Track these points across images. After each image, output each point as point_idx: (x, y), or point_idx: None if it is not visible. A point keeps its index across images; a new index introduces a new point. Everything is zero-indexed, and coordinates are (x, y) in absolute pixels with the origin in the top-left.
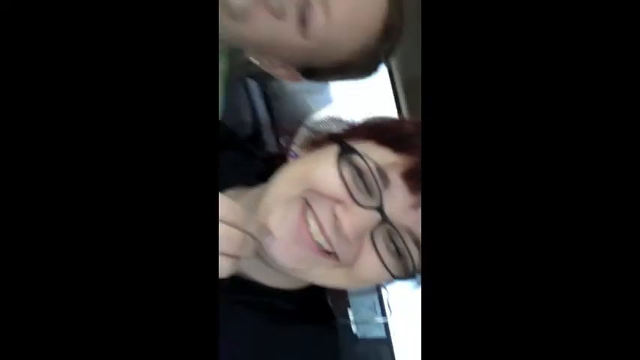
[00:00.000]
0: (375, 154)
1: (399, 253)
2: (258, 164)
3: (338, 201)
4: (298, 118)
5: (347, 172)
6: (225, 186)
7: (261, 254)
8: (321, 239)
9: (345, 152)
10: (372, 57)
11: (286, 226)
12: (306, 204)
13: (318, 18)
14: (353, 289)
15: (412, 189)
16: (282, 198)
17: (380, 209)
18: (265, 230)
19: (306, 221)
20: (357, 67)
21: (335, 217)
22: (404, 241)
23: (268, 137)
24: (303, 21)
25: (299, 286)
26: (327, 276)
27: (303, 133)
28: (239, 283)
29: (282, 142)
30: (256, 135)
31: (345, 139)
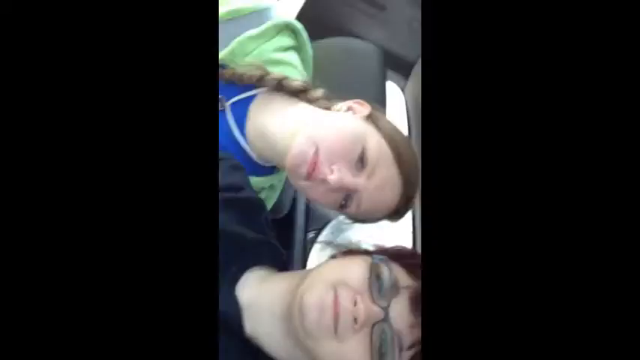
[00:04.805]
0: (396, 271)
1: (381, 352)
2: (278, 250)
3: (359, 293)
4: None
5: (373, 275)
6: (253, 262)
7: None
8: (342, 308)
9: (377, 262)
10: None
11: (320, 297)
12: (335, 290)
13: (351, 207)
14: None
15: (413, 310)
16: (321, 281)
17: (386, 310)
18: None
19: (336, 297)
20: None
21: (355, 303)
22: (392, 343)
23: (299, 232)
24: (341, 206)
25: None
26: (323, 347)
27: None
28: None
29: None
30: (288, 217)
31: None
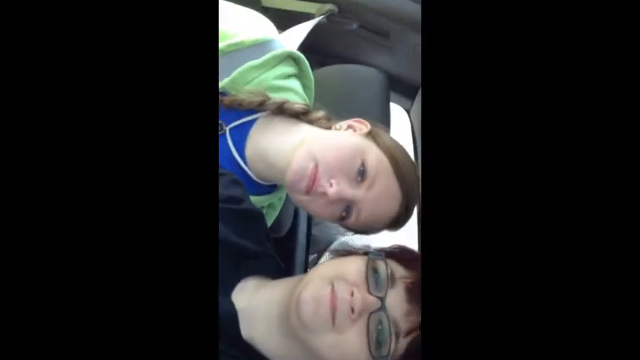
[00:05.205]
0: (392, 265)
1: (379, 340)
2: (276, 263)
3: (356, 285)
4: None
5: (370, 269)
6: (251, 272)
7: (289, 326)
8: (339, 300)
9: (373, 257)
10: (379, 230)
11: (317, 291)
12: (333, 284)
13: (351, 218)
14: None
15: (409, 299)
16: (319, 278)
17: (382, 299)
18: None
19: (333, 290)
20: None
21: (352, 294)
22: (389, 330)
23: (300, 251)
24: (342, 218)
25: None
26: (321, 340)
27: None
28: (244, 346)
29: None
30: (289, 236)
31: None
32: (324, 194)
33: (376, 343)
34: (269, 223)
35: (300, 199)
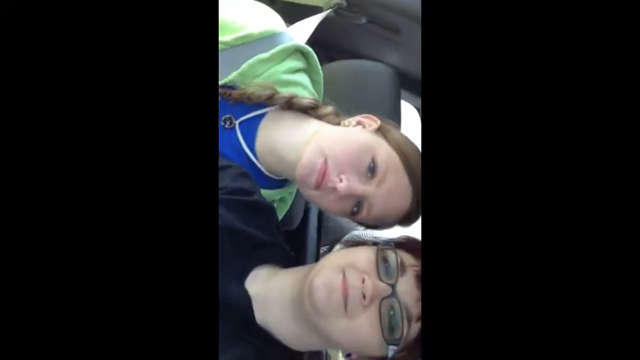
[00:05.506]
0: (401, 254)
1: (391, 325)
2: (287, 253)
3: (367, 273)
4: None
5: (380, 257)
6: (262, 261)
7: (302, 310)
8: (350, 287)
9: (383, 247)
10: (391, 225)
11: (329, 278)
12: (344, 272)
13: (362, 214)
14: (345, 347)
15: (419, 285)
16: (330, 266)
17: (393, 286)
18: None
19: (344, 277)
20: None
21: (363, 281)
22: (401, 315)
23: (311, 244)
24: (353, 213)
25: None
26: (334, 325)
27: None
28: (259, 330)
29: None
30: (300, 230)
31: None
32: (334, 189)
33: (389, 328)
34: (280, 216)
35: (311, 193)
